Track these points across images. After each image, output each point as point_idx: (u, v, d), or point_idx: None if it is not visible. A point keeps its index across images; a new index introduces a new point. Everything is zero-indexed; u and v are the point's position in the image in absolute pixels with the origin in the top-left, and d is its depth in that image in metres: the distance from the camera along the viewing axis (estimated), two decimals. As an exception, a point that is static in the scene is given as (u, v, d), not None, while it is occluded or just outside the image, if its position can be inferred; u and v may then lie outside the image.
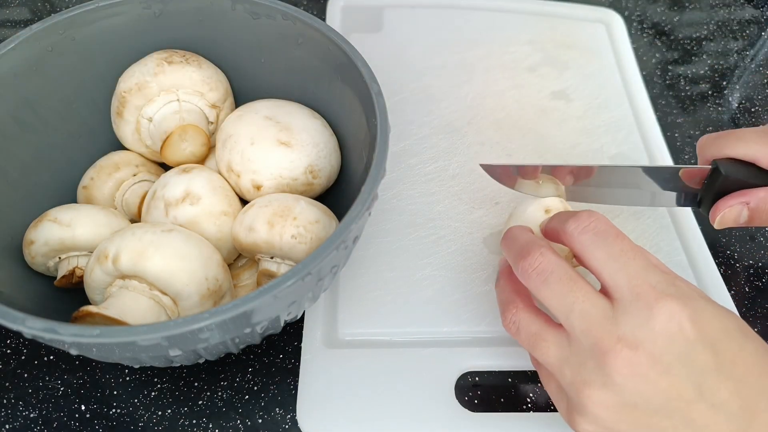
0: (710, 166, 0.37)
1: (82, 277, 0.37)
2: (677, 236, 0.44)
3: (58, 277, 0.37)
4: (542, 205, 0.37)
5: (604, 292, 0.29)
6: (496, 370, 0.38)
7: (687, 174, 0.37)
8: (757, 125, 0.53)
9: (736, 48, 0.60)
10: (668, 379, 0.26)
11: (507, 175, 0.38)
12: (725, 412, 0.26)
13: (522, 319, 0.31)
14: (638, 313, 0.27)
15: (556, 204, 0.37)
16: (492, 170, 0.39)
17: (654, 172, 0.38)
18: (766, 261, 0.44)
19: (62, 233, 0.36)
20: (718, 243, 0.45)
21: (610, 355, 0.27)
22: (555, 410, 0.37)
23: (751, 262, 0.44)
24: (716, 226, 0.37)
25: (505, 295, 0.33)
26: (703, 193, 0.37)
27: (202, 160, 0.42)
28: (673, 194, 0.39)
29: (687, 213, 0.45)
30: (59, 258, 0.37)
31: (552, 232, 0.33)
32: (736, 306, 0.41)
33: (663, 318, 0.27)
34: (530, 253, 0.30)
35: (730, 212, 0.36)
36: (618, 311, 0.27)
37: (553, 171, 0.38)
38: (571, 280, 0.29)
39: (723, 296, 0.41)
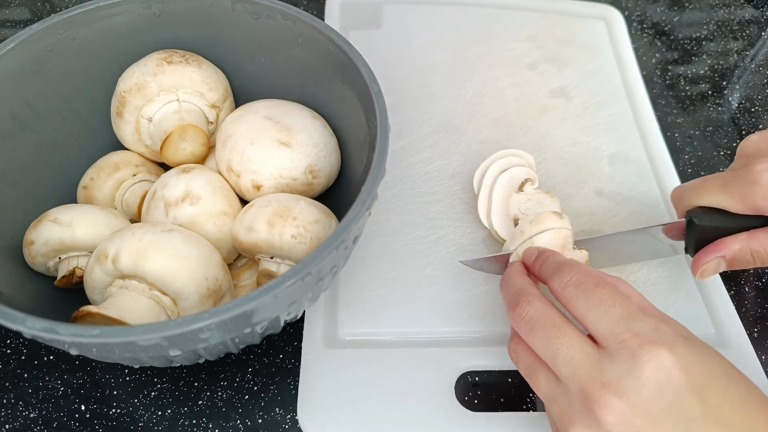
0: (685, 219, 0.38)
1: (82, 277, 0.37)
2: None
3: (58, 277, 0.37)
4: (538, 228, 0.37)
5: (592, 339, 0.29)
6: (496, 369, 0.38)
7: (668, 230, 0.39)
8: (757, 125, 0.53)
9: (736, 48, 0.60)
10: (655, 428, 0.27)
11: (491, 264, 0.39)
12: None
13: (521, 350, 0.32)
14: (623, 362, 0.27)
15: (551, 222, 0.37)
16: (476, 264, 0.39)
17: (642, 234, 0.39)
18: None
19: (62, 233, 0.36)
20: (718, 242, 0.45)
21: (596, 401, 0.27)
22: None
23: (750, 261, 0.44)
24: (698, 278, 0.38)
25: (513, 326, 0.33)
26: (687, 242, 0.38)
27: (201, 160, 0.42)
28: (674, 244, 0.40)
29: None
30: (59, 258, 0.37)
31: (541, 280, 0.34)
32: (736, 306, 0.41)
33: (649, 367, 0.27)
34: (519, 303, 0.32)
35: (709, 266, 0.37)
36: (604, 358, 0.28)
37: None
38: (554, 327, 0.30)
39: (723, 296, 0.41)
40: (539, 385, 0.31)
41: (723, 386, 0.27)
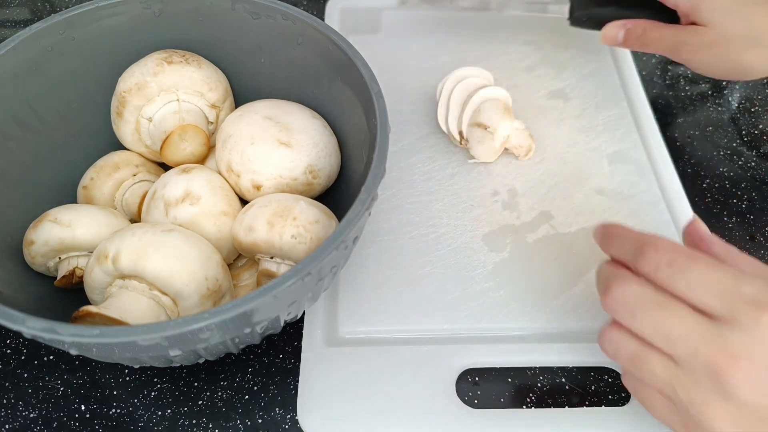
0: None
1: (82, 277, 0.37)
2: (677, 232, 0.44)
3: (59, 277, 0.37)
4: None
5: (699, 310, 0.28)
6: (497, 366, 0.38)
7: None
8: (758, 125, 0.53)
9: (735, 47, 0.60)
10: None
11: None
12: None
13: (622, 338, 0.30)
14: (745, 329, 0.26)
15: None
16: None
17: None
18: (766, 261, 0.44)
19: (62, 233, 0.36)
20: (718, 242, 0.45)
21: (728, 372, 0.26)
22: (557, 406, 0.37)
23: (750, 261, 0.44)
24: (602, 42, 0.47)
25: (609, 313, 0.31)
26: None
27: (201, 160, 0.42)
28: None
29: (686, 210, 0.45)
30: (59, 258, 0.37)
31: (622, 263, 0.32)
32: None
33: None
34: (610, 288, 0.30)
35: (610, 31, 0.46)
36: (722, 329, 0.27)
37: None
38: (659, 306, 0.28)
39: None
40: (654, 370, 0.28)
41: None
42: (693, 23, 0.43)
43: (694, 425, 0.28)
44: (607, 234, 0.33)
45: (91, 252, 0.37)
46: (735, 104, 0.55)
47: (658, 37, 0.44)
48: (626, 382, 0.32)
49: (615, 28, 0.46)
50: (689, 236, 0.33)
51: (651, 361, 0.28)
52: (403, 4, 0.53)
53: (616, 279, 0.30)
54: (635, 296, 0.29)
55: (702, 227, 0.33)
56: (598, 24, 0.48)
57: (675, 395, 0.28)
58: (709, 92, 0.56)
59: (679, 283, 0.28)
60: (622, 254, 0.31)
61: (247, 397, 0.38)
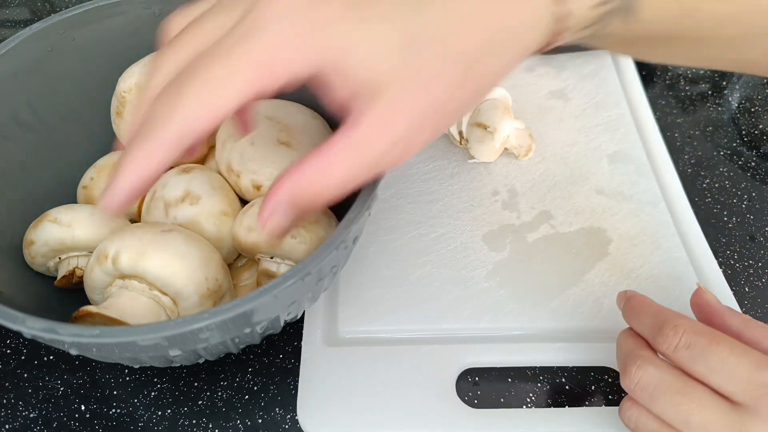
0: None
1: (82, 277, 0.37)
2: (677, 232, 0.44)
3: (58, 277, 0.37)
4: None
5: (719, 394, 0.28)
6: (498, 366, 0.38)
7: None
8: (758, 125, 0.53)
9: (735, 47, 0.60)
10: None
11: None
12: None
13: (642, 416, 0.30)
14: (765, 418, 0.26)
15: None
16: None
17: None
18: (766, 261, 0.44)
19: (62, 233, 0.36)
20: (718, 243, 0.45)
21: None
22: (557, 405, 0.37)
23: (751, 262, 0.44)
24: None
25: (628, 392, 0.31)
26: None
27: (202, 160, 0.42)
28: None
29: (686, 210, 0.45)
30: (59, 258, 0.37)
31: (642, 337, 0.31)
32: (736, 306, 0.41)
33: None
34: (628, 368, 0.30)
35: None
36: (743, 416, 0.27)
37: None
38: (678, 392, 0.28)
39: (725, 293, 0.41)
40: None
41: None
42: None
43: None
44: (629, 306, 0.32)
45: (91, 252, 0.37)
46: (735, 104, 0.55)
47: None
48: None
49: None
50: (699, 309, 0.33)
51: None
52: None
53: (635, 360, 0.29)
54: (654, 380, 0.29)
55: (710, 298, 0.32)
56: (571, 47, 0.48)
57: None
58: (709, 92, 0.56)
59: (699, 365, 0.28)
60: (641, 329, 0.31)
61: (247, 397, 0.38)
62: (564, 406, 0.37)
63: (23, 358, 0.39)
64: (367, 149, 0.24)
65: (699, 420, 0.27)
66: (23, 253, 0.37)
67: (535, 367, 0.39)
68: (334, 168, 0.24)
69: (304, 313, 0.40)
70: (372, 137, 0.24)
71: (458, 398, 0.36)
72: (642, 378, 0.29)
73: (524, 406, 0.37)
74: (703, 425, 0.27)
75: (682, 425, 0.28)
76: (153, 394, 0.38)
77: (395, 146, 0.24)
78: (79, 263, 0.37)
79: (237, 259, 0.40)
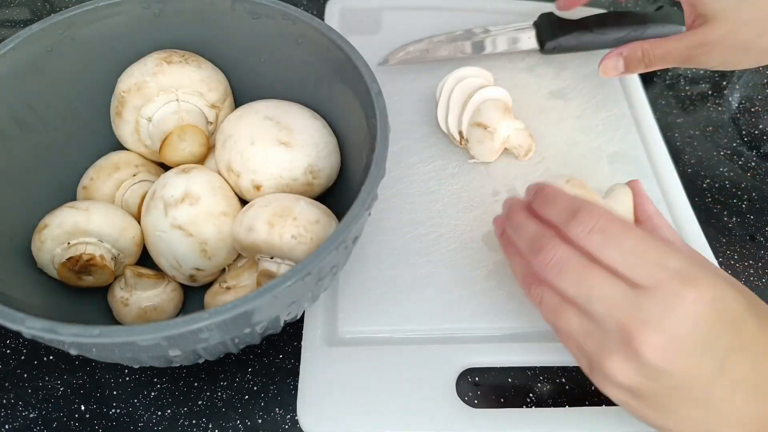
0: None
1: (87, 261, 0.36)
2: (676, 231, 0.44)
3: (64, 260, 0.37)
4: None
5: (621, 277, 0.29)
6: (498, 366, 0.38)
7: None
8: (758, 125, 0.53)
9: (735, 47, 0.60)
10: (693, 360, 0.28)
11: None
12: (743, 388, 0.28)
13: (546, 292, 0.32)
14: (663, 300, 0.28)
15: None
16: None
17: None
18: (766, 261, 0.44)
19: (78, 216, 0.37)
20: (718, 243, 0.45)
21: (637, 338, 0.28)
22: (557, 405, 0.37)
23: (751, 262, 0.44)
24: (601, 75, 0.46)
25: (524, 268, 0.33)
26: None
27: (201, 161, 0.42)
28: None
29: (687, 209, 0.45)
30: (68, 243, 0.37)
31: (547, 223, 0.33)
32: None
33: (688, 303, 0.27)
34: (543, 248, 0.31)
35: (609, 63, 0.45)
36: (640, 296, 0.28)
37: None
38: (584, 268, 0.30)
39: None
40: (569, 321, 0.31)
41: (757, 321, 0.29)
42: (696, 19, 0.43)
43: (596, 369, 0.30)
44: (542, 193, 0.33)
45: (101, 241, 0.37)
46: (735, 104, 0.55)
47: (664, 53, 0.44)
48: (546, 319, 0.33)
49: (612, 60, 0.46)
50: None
51: (569, 312, 0.31)
52: (385, 63, 0.54)
53: (547, 239, 0.31)
54: (564, 257, 0.30)
55: (641, 185, 0.39)
56: (569, 49, 0.52)
57: (584, 344, 0.30)
58: (709, 92, 0.56)
59: (611, 250, 0.29)
60: (554, 215, 0.32)
61: (247, 397, 0.38)
62: (564, 406, 0.37)
63: (23, 358, 0.39)
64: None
65: (599, 294, 0.29)
66: (32, 240, 0.37)
67: (535, 367, 0.39)
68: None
69: (304, 313, 0.40)
70: None
71: (458, 398, 0.36)
72: (555, 255, 0.30)
73: (524, 406, 0.37)
74: (602, 298, 0.29)
75: (584, 298, 0.29)
76: (153, 394, 0.38)
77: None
78: (87, 249, 0.37)
79: (237, 259, 0.40)
